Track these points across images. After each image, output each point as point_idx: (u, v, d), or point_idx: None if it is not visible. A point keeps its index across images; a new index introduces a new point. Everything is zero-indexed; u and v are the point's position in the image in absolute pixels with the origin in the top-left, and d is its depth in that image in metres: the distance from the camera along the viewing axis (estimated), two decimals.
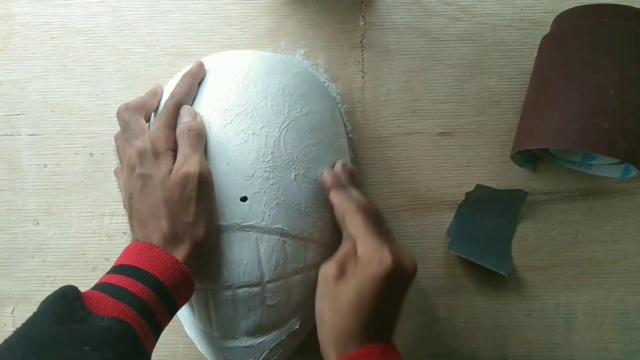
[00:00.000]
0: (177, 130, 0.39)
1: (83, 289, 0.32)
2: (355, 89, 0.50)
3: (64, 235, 0.49)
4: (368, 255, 0.35)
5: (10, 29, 0.50)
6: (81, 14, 0.50)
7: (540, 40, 0.47)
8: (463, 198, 0.49)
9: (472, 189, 0.49)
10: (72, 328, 0.29)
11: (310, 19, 0.50)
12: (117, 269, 0.34)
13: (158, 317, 0.33)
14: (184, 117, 0.39)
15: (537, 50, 0.48)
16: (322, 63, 0.50)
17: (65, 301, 0.30)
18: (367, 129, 0.50)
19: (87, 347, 0.28)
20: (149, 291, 0.33)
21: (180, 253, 0.35)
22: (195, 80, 0.42)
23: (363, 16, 0.51)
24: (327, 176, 0.41)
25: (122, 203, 0.41)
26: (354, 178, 0.43)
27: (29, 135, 0.50)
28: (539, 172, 0.50)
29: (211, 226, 0.37)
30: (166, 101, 0.41)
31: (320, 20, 0.50)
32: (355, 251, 0.36)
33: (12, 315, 0.49)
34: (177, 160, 0.37)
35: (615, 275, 0.49)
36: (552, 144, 0.43)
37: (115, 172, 0.43)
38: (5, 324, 0.49)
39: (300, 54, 0.50)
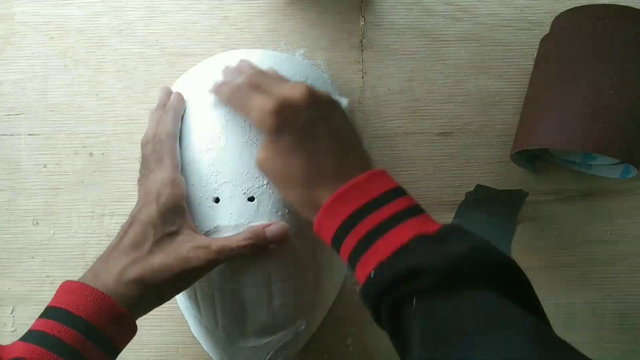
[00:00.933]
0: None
1: None
2: (355, 89, 0.50)
3: (64, 235, 0.49)
4: (252, 118, 0.34)
5: (10, 29, 0.50)
6: (81, 14, 0.50)
7: (540, 40, 0.47)
8: (463, 198, 0.49)
9: (472, 189, 0.49)
10: None
11: (310, 19, 0.50)
12: (43, 313, 0.33)
13: (81, 352, 0.32)
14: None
15: (537, 50, 0.48)
16: (322, 63, 0.50)
17: None
18: (367, 129, 0.50)
19: None
20: (64, 327, 0.32)
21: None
22: (176, 113, 0.41)
23: (363, 16, 0.51)
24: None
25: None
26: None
27: (29, 135, 0.50)
28: (539, 172, 0.50)
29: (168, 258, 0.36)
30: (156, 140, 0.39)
31: (320, 20, 0.50)
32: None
33: (11, 315, 0.49)
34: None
35: (615, 275, 0.49)
36: (552, 144, 0.43)
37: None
38: (5, 324, 0.49)
39: (300, 54, 0.50)
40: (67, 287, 0.34)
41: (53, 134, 0.49)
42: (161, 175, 0.37)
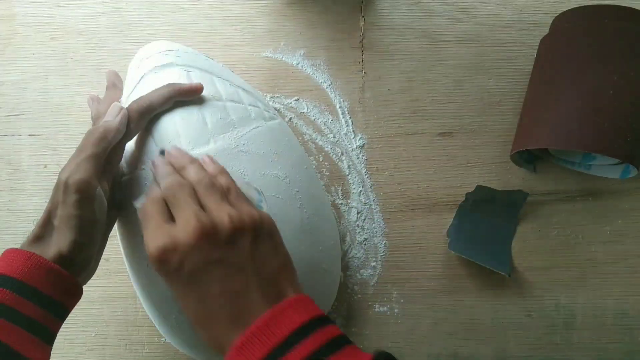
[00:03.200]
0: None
1: None
2: (355, 89, 0.50)
3: None
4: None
5: (11, 30, 0.50)
6: (81, 14, 0.50)
7: (539, 40, 0.47)
8: (463, 198, 0.49)
9: (472, 189, 0.49)
10: None
11: (310, 19, 0.50)
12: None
13: (21, 311, 0.31)
14: (107, 117, 0.38)
15: (536, 50, 0.48)
16: (322, 63, 0.50)
17: None
18: (367, 129, 0.50)
19: None
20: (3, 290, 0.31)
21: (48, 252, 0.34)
22: (172, 95, 0.40)
23: (363, 16, 0.51)
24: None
25: None
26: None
27: (29, 135, 0.50)
28: (538, 173, 0.50)
29: (82, 238, 0.35)
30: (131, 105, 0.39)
31: (320, 20, 0.50)
32: None
33: None
34: None
35: (615, 275, 0.49)
36: (552, 144, 0.43)
37: None
38: None
39: (300, 54, 0.50)
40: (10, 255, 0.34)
41: (54, 134, 0.50)
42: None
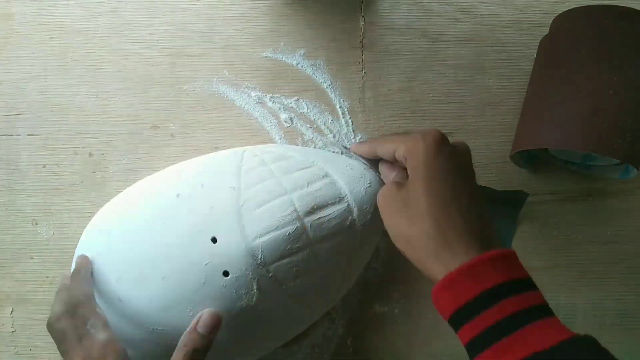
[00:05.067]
0: None
1: None
2: (355, 89, 0.50)
3: (63, 235, 0.49)
4: (410, 145, 0.33)
5: (9, 29, 0.50)
6: (80, 14, 0.50)
7: (539, 41, 0.47)
8: None
9: None
10: None
11: (310, 19, 0.50)
12: None
13: None
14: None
15: (536, 51, 0.48)
16: (322, 63, 0.50)
17: None
18: (368, 129, 0.50)
19: None
20: None
21: None
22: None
23: (363, 16, 0.51)
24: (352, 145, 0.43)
25: None
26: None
27: (28, 135, 0.49)
28: (538, 173, 0.50)
29: None
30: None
31: (320, 20, 0.50)
32: (404, 169, 0.35)
33: (11, 316, 0.49)
34: None
35: (615, 275, 0.49)
36: (551, 145, 0.43)
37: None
38: (4, 324, 0.49)
39: (300, 54, 0.50)
40: None
41: (52, 134, 0.49)
42: (98, 338, 0.34)
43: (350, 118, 0.50)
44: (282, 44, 0.50)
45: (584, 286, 0.49)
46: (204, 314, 0.36)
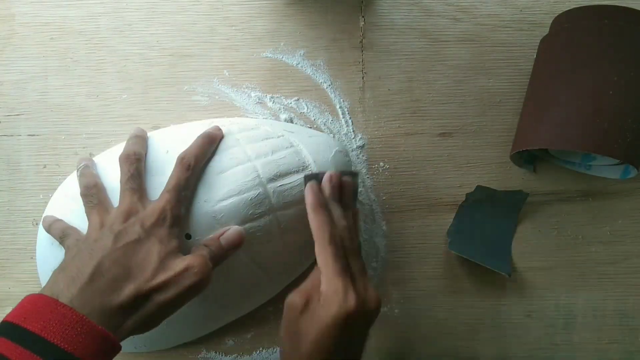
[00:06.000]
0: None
1: None
2: (355, 89, 0.50)
3: None
4: (330, 294, 0.34)
5: (10, 30, 0.50)
6: (81, 14, 0.50)
7: (539, 40, 0.47)
8: (463, 199, 0.49)
9: (472, 190, 0.49)
10: None
11: (310, 19, 0.50)
12: (7, 330, 0.29)
13: None
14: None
15: (536, 51, 0.48)
16: (322, 63, 0.50)
17: None
18: (367, 129, 0.50)
19: None
20: None
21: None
22: (212, 144, 0.41)
23: (363, 16, 0.51)
24: (308, 192, 0.38)
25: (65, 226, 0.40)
26: (345, 192, 0.40)
27: (29, 135, 0.49)
28: (538, 173, 0.50)
29: None
30: (179, 160, 0.39)
31: (320, 20, 0.50)
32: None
33: None
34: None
35: (615, 275, 0.49)
36: (551, 145, 0.43)
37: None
38: None
39: (300, 54, 0.50)
40: (39, 305, 0.30)
41: (53, 134, 0.49)
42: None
43: (350, 118, 0.50)
44: (282, 44, 0.50)
45: (584, 286, 0.49)
46: (230, 229, 0.38)
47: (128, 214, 0.36)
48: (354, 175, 0.42)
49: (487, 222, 0.49)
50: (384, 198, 0.49)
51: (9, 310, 0.48)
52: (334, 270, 0.35)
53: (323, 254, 0.36)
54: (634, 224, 0.49)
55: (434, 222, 0.49)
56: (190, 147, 0.40)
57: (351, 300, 0.34)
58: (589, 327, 0.48)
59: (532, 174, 0.50)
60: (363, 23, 0.51)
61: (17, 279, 0.49)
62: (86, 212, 0.39)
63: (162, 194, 0.38)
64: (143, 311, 0.33)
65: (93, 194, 0.39)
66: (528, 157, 0.49)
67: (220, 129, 0.42)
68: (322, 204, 0.38)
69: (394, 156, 0.50)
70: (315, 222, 0.37)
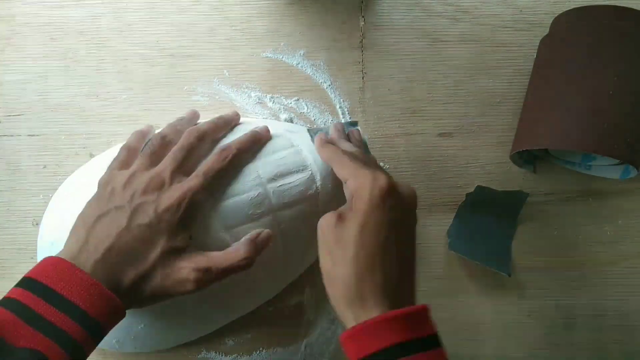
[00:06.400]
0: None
1: None
2: (355, 89, 0.50)
3: None
4: (359, 183, 0.33)
5: (11, 30, 0.50)
6: (81, 15, 0.50)
7: (539, 40, 0.47)
8: (463, 199, 0.49)
9: (472, 189, 0.49)
10: None
11: (310, 19, 0.50)
12: (30, 284, 0.32)
13: (84, 347, 0.31)
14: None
15: (536, 51, 0.48)
16: (322, 63, 0.50)
17: None
18: (367, 129, 0.50)
19: None
20: (71, 322, 0.31)
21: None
22: (256, 143, 0.41)
23: (363, 16, 0.51)
24: (317, 138, 0.41)
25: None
26: (352, 140, 0.43)
27: (29, 135, 0.50)
28: (538, 173, 0.50)
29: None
30: (219, 149, 0.40)
31: (320, 21, 0.50)
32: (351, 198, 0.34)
33: None
34: None
35: (615, 275, 0.49)
36: (551, 145, 0.43)
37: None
38: None
39: (300, 54, 0.50)
40: (60, 267, 0.33)
41: (53, 134, 0.49)
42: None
43: (350, 118, 0.50)
44: (282, 44, 0.50)
45: (584, 286, 0.48)
46: (263, 232, 0.39)
47: (154, 184, 0.36)
48: (354, 123, 0.45)
49: (487, 222, 0.49)
50: None
51: None
52: (355, 167, 0.35)
53: (340, 164, 0.36)
54: (634, 224, 0.49)
55: (434, 222, 0.49)
56: (234, 140, 0.40)
57: (381, 179, 0.32)
58: (589, 328, 0.48)
59: (532, 174, 0.50)
60: (363, 23, 0.51)
61: (17, 279, 0.49)
62: (139, 151, 0.40)
63: (190, 177, 0.37)
64: (138, 292, 0.35)
65: (155, 144, 0.39)
66: (528, 157, 0.49)
67: (268, 131, 0.42)
68: (331, 141, 0.40)
69: (394, 156, 0.50)
70: (325, 152, 0.39)
